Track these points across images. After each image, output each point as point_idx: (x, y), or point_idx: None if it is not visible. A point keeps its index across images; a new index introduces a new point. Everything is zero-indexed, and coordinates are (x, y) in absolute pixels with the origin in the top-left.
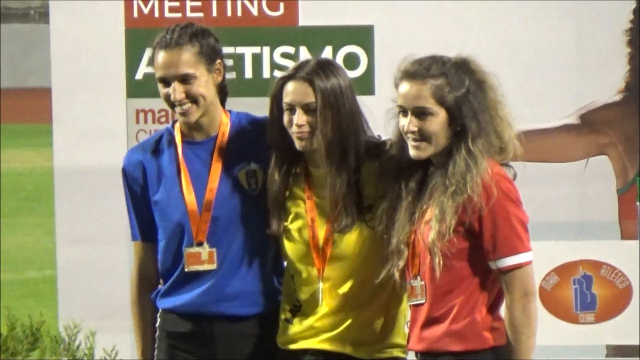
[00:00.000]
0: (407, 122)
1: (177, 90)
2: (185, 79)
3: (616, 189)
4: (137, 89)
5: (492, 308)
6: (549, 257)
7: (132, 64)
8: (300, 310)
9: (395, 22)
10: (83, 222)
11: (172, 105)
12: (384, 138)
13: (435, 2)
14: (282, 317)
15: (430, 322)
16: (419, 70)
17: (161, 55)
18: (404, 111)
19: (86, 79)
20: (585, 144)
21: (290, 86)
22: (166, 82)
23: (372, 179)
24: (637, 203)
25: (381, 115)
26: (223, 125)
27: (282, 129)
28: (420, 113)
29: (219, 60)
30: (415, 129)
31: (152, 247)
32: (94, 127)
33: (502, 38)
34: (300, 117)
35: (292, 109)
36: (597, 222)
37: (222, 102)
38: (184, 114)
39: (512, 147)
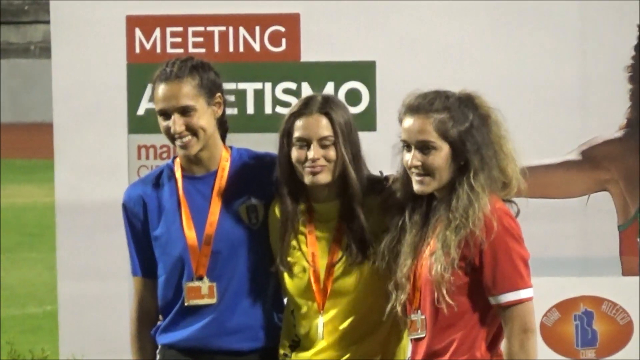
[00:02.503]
0: (411, 157)
1: (177, 123)
2: (185, 111)
3: (617, 225)
4: (139, 124)
5: (492, 344)
6: (550, 293)
7: (134, 100)
8: (300, 345)
9: (398, 58)
10: (84, 257)
11: (172, 138)
12: (386, 174)
13: (437, 38)
14: (281, 351)
15: (430, 356)
16: (423, 104)
17: (161, 88)
18: (407, 146)
19: (88, 114)
20: (587, 180)
21: (303, 121)
22: (166, 114)
23: (374, 214)
24: (638, 239)
25: (383, 151)
26: (223, 160)
27: (291, 165)
28: (424, 147)
29: (219, 94)
30: (419, 163)
31: (153, 283)
32: (96, 162)
33: (505, 74)
34: (316, 151)
35: (306, 144)
36: (599, 258)
37: (223, 138)
38: (183, 146)
39: (515, 182)
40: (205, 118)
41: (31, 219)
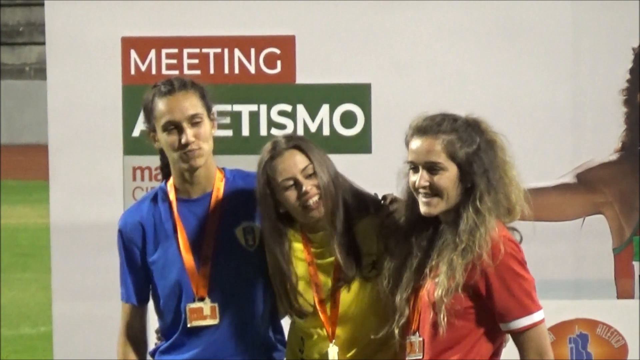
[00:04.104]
0: (419, 177)
1: (188, 132)
2: (194, 120)
3: (612, 248)
4: (134, 146)
5: None
6: (545, 315)
7: (129, 121)
8: None
9: (393, 80)
10: (79, 278)
11: (182, 149)
12: (382, 194)
13: (432, 60)
14: None
15: None
16: (431, 125)
17: (165, 102)
18: (414, 167)
19: (83, 136)
20: (582, 203)
21: (280, 163)
22: (172, 127)
23: (371, 234)
24: (634, 262)
25: (378, 173)
26: (218, 180)
27: (277, 210)
28: (432, 168)
29: (212, 111)
30: (427, 184)
31: (144, 310)
32: (91, 183)
33: (499, 97)
34: (305, 184)
35: (293, 182)
36: (593, 281)
37: None
38: (192, 157)
39: (519, 208)
40: (209, 130)
41: (25, 239)
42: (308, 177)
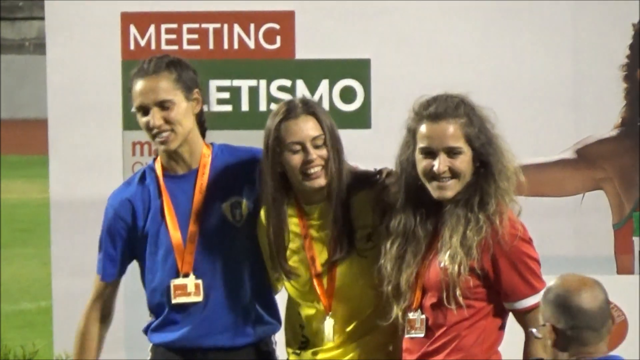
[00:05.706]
0: (439, 163)
1: (155, 116)
2: (163, 105)
3: (612, 223)
4: (133, 121)
5: (492, 344)
6: None
7: (128, 96)
8: (309, 344)
9: (392, 55)
10: (79, 253)
11: (151, 132)
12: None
13: (432, 37)
14: (289, 351)
15: (427, 355)
16: (446, 110)
17: (139, 84)
18: (429, 152)
19: (83, 111)
20: (582, 179)
21: (293, 125)
22: (145, 110)
23: (366, 208)
24: (633, 238)
25: (377, 149)
26: (204, 156)
27: (282, 174)
28: (451, 152)
29: (196, 90)
30: (446, 168)
31: (117, 285)
32: (90, 158)
33: (499, 73)
34: (312, 152)
35: (300, 147)
36: (593, 257)
37: (203, 135)
38: (163, 142)
39: (514, 178)
40: (183, 112)
41: (25, 214)
42: (317, 147)
